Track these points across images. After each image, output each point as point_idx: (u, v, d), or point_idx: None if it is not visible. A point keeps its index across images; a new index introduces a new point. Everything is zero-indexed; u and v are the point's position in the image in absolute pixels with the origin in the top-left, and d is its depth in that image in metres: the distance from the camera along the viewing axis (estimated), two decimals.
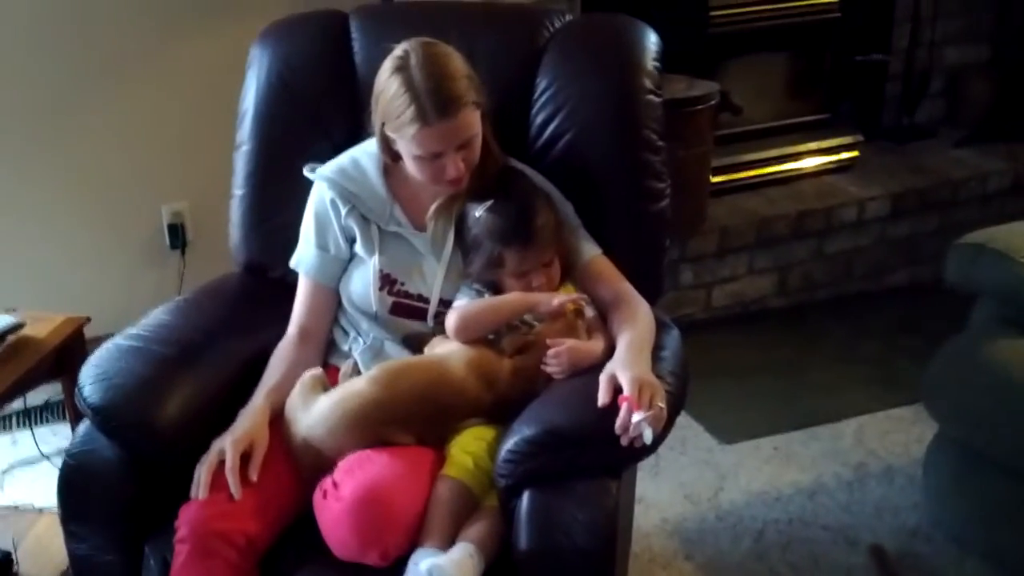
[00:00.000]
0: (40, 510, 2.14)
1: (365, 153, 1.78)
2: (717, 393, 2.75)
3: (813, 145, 3.34)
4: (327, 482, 1.49)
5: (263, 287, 1.94)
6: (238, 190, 1.97)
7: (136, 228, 2.85)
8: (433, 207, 1.73)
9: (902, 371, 2.87)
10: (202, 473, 1.50)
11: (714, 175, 3.05)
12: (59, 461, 2.46)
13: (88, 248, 2.81)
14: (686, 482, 2.42)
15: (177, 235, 2.84)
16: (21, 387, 1.83)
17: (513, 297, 1.65)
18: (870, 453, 2.52)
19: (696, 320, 3.07)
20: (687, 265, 3.03)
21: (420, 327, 1.74)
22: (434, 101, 1.54)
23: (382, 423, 1.53)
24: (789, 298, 3.26)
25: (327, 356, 1.78)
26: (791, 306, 3.26)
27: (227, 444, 1.53)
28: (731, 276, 3.12)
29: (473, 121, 1.60)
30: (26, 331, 1.87)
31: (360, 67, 1.93)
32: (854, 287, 3.34)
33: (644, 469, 2.39)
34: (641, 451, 1.44)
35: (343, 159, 1.79)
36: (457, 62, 1.60)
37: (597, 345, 1.62)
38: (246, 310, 1.86)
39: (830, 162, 3.38)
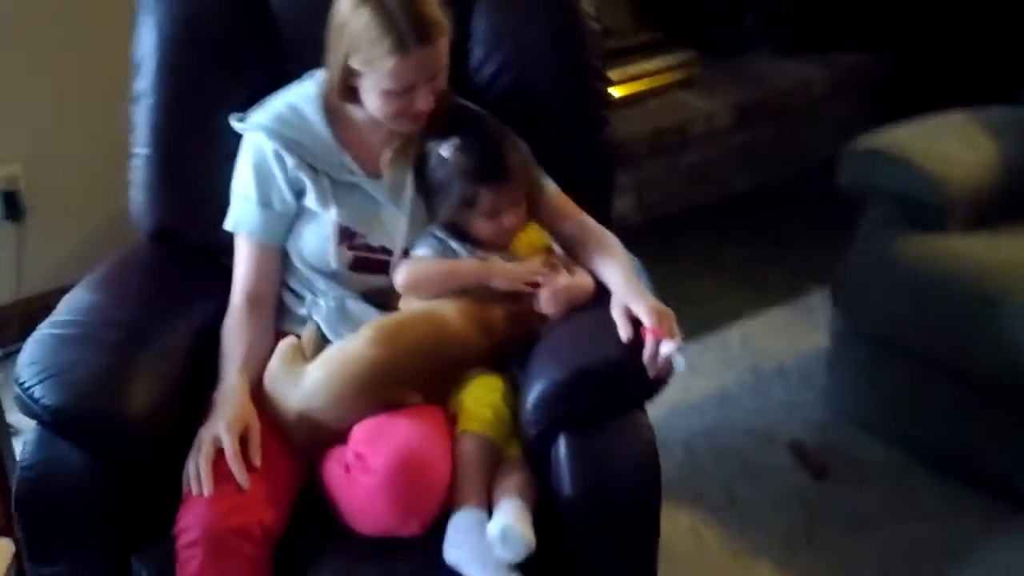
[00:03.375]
0: None
1: (302, 97, 1.63)
2: None
3: (660, 63, 3.40)
4: (345, 456, 1.38)
5: (183, 255, 1.76)
6: (141, 149, 1.75)
7: None
8: (389, 152, 1.62)
9: (765, 274, 3.03)
10: (202, 466, 1.35)
11: None
12: None
13: None
14: None
15: (12, 203, 2.50)
16: None
17: (470, 266, 1.57)
18: (761, 355, 2.65)
19: None
20: None
21: (382, 281, 1.63)
22: (414, 28, 1.44)
23: (390, 385, 1.44)
24: (648, 213, 3.34)
25: (278, 322, 1.64)
26: (650, 221, 3.34)
27: (220, 431, 1.38)
28: None
29: (446, 50, 1.51)
30: None
31: (275, 2, 1.75)
32: (703, 198, 3.47)
33: None
34: (665, 380, 1.44)
35: (277, 105, 1.63)
36: None
37: (586, 280, 1.59)
38: (176, 282, 1.68)
39: (673, 80, 3.46)
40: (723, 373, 2.59)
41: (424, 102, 1.52)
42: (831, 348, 2.38)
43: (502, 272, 1.55)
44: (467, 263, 1.58)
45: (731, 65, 3.68)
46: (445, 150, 1.58)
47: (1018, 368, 1.94)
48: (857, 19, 3.79)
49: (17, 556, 1.71)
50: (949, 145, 2.21)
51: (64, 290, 2.55)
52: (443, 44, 1.49)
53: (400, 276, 1.58)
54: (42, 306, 2.39)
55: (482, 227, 1.60)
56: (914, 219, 2.16)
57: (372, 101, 1.54)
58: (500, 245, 1.59)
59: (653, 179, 3.30)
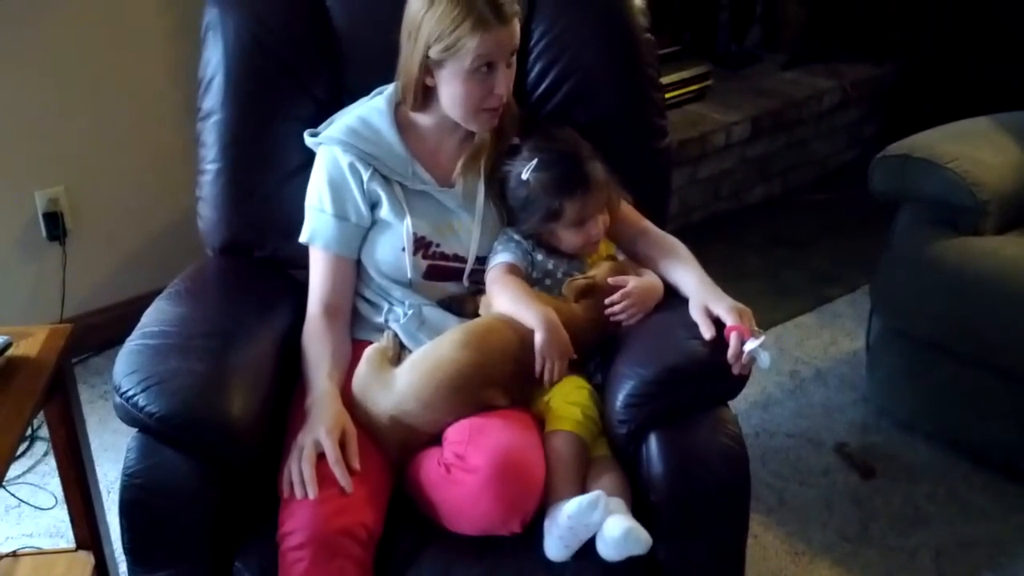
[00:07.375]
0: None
1: (373, 111, 1.67)
2: None
3: (675, 77, 3.46)
4: (445, 457, 1.41)
5: (252, 268, 1.79)
6: (211, 164, 1.78)
7: (6, 220, 2.50)
8: (461, 162, 1.66)
9: (787, 280, 3.09)
10: (306, 470, 1.37)
11: None
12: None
13: None
14: None
15: (55, 224, 2.52)
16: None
17: (532, 315, 1.52)
18: (797, 361, 2.70)
19: None
20: None
21: (455, 288, 1.67)
22: (491, 7, 1.51)
23: (480, 387, 1.47)
24: (669, 224, 3.38)
25: (354, 331, 1.67)
26: (672, 232, 3.39)
27: (320, 436, 1.41)
28: None
29: (518, 32, 1.57)
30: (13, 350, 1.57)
31: (335, 17, 1.79)
32: (721, 207, 3.53)
33: None
34: (748, 377, 1.48)
35: (348, 120, 1.67)
36: None
37: (656, 280, 1.63)
38: (251, 294, 1.71)
39: (689, 91, 3.52)
40: (762, 379, 2.62)
41: (504, 86, 1.56)
42: (871, 350, 2.42)
43: (549, 336, 1.50)
44: (533, 312, 1.53)
45: (737, 77, 3.75)
46: (525, 172, 1.61)
47: None
48: (859, 30, 3.88)
49: (97, 568, 1.73)
50: (978, 149, 2.26)
51: (106, 310, 2.62)
52: (516, 26, 1.55)
53: (489, 281, 1.62)
54: (84, 326, 2.42)
55: (568, 237, 1.63)
56: (950, 222, 2.21)
57: (453, 91, 1.57)
58: (586, 253, 1.63)
59: (674, 190, 3.35)
